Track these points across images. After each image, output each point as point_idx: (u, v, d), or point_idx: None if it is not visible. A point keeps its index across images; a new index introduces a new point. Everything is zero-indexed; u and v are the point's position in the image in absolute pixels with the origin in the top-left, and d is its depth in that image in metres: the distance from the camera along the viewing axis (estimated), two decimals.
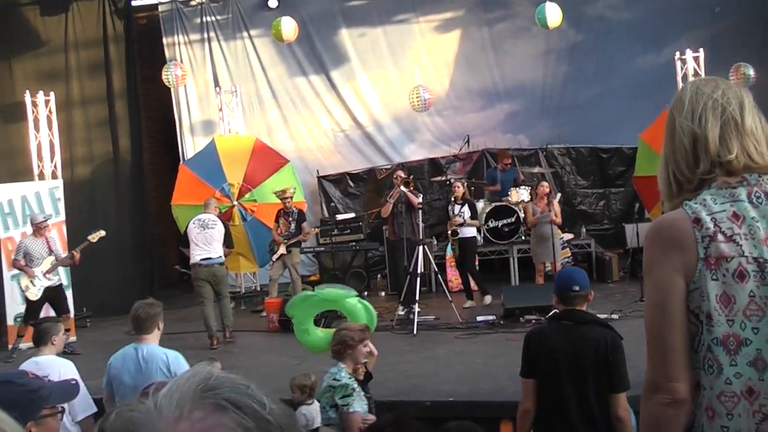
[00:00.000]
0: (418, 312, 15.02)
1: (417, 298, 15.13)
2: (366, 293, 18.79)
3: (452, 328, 14.80)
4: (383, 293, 19.26)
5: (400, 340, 14.02)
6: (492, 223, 18.30)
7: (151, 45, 22.29)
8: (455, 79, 22.06)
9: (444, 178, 19.57)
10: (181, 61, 21.65)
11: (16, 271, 16.13)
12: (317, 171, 22.03)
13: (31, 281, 14.95)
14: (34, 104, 18.32)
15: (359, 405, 7.38)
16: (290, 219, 17.15)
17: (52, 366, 7.76)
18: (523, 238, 18.26)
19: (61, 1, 20.22)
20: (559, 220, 16.10)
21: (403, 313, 15.66)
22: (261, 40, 21.95)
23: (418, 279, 15.36)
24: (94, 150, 20.26)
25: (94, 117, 20.28)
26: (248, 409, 1.58)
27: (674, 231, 3.09)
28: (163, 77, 20.32)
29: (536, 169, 19.92)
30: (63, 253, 15.54)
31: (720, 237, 3.03)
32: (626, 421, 6.09)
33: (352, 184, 22.12)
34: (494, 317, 15.05)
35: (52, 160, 18.32)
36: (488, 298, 16.94)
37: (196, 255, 15.38)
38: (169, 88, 21.15)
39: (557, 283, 6.74)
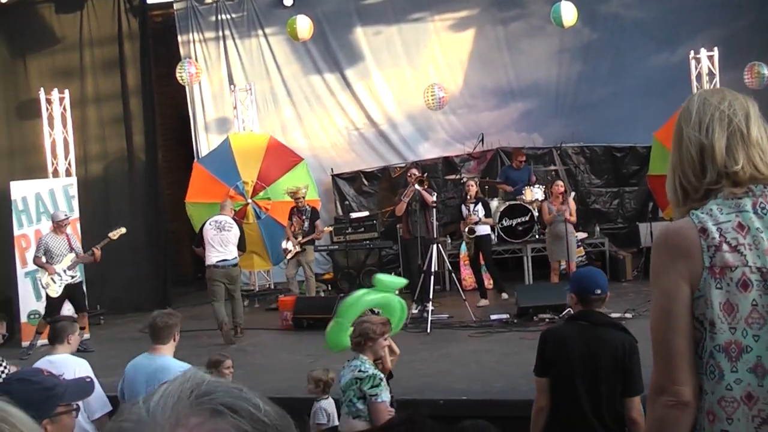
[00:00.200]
0: (432, 310, 15.04)
1: (431, 296, 15.15)
2: None
3: (466, 327, 14.80)
4: (397, 292, 19.21)
5: (414, 338, 14.00)
6: (506, 222, 18.29)
7: (166, 42, 22.29)
8: (470, 78, 22.02)
9: (458, 176, 19.59)
10: (196, 59, 21.64)
11: (30, 269, 16.20)
12: (331, 169, 22.02)
13: (52, 278, 14.99)
14: (49, 101, 18.39)
15: (386, 395, 7.39)
16: (304, 217, 17.17)
17: (67, 365, 7.76)
18: (537, 236, 18.27)
19: None
20: (574, 218, 16.07)
21: (416, 311, 15.64)
22: (276, 38, 21.92)
23: (432, 277, 15.37)
24: (108, 147, 20.26)
25: (108, 114, 20.29)
26: (244, 412, 1.58)
27: (681, 240, 3.16)
28: (177, 75, 20.32)
29: (551, 168, 19.94)
30: (82, 250, 15.58)
31: (725, 247, 3.10)
32: (640, 424, 6.08)
33: (366, 182, 22.11)
34: (508, 316, 15.06)
35: (66, 158, 18.39)
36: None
37: (213, 257, 15.55)
38: (184, 86, 21.15)
39: (578, 283, 6.68)
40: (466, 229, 16.70)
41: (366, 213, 20.56)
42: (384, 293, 9.18)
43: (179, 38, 22.06)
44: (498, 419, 7.36)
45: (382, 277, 9.41)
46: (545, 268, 17.11)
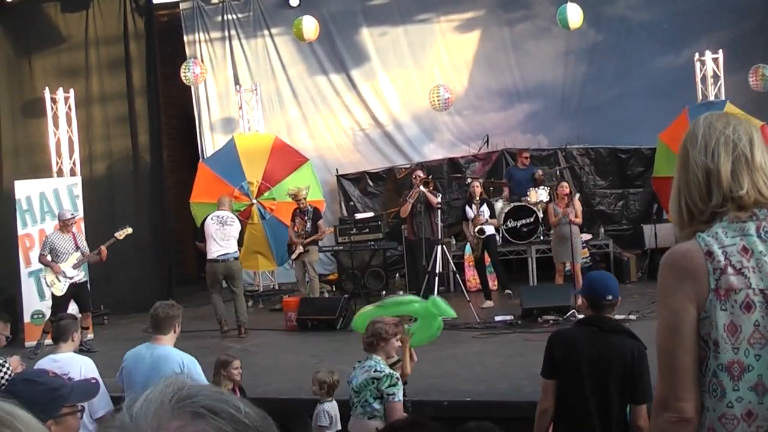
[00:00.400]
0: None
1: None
2: (384, 292, 18.84)
3: (470, 328, 14.78)
4: (401, 292, 19.17)
5: None
6: (511, 223, 18.30)
7: (172, 42, 22.31)
8: (475, 79, 22.03)
9: (463, 176, 19.64)
10: (202, 59, 21.68)
11: (33, 268, 16.20)
12: (336, 170, 22.02)
13: (57, 277, 14.98)
14: (54, 101, 18.38)
15: (402, 394, 7.40)
16: (306, 218, 17.16)
17: (72, 364, 7.77)
18: (541, 238, 18.28)
19: None
20: (579, 220, 16.03)
21: None
22: (282, 38, 21.95)
23: (437, 278, 15.38)
24: (113, 147, 20.26)
25: (113, 114, 20.29)
26: (225, 414, 1.61)
27: (687, 262, 3.26)
28: (182, 75, 20.34)
29: (556, 168, 19.97)
30: (88, 249, 15.58)
31: (730, 270, 3.19)
32: (645, 431, 6.10)
33: (371, 183, 22.12)
34: (512, 317, 15.07)
35: (71, 157, 18.39)
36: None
37: (214, 251, 15.83)
38: (190, 86, 21.18)
39: (589, 288, 6.64)
40: (476, 230, 16.69)
41: (371, 214, 20.54)
42: (431, 311, 9.12)
43: (185, 38, 22.07)
44: (502, 421, 7.37)
45: (439, 301, 9.33)
46: (550, 269, 17.11)
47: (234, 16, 22.18)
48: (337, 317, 15.66)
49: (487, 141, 21.14)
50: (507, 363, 12.24)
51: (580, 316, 13.26)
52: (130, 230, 15.59)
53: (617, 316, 6.84)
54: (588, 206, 20.06)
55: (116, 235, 15.45)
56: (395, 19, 22.00)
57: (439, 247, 15.61)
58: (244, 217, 18.84)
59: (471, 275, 18.34)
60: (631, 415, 6.23)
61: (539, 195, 18.50)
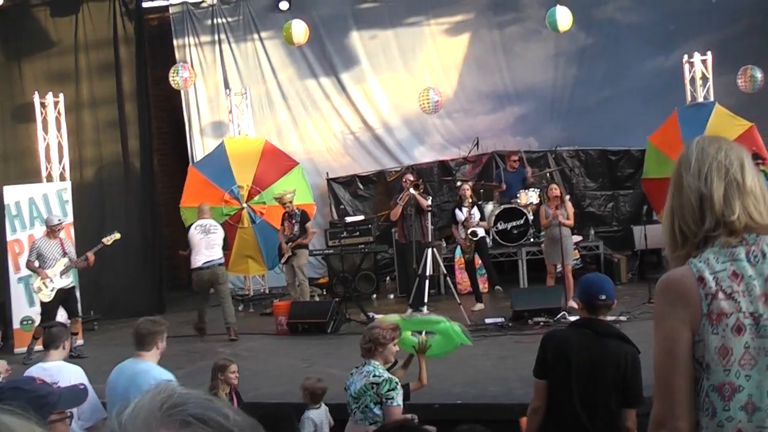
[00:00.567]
0: (427, 314, 15.02)
1: (426, 300, 15.16)
2: (375, 295, 18.85)
3: None
4: (392, 296, 19.28)
5: None
6: (501, 226, 18.33)
7: (162, 46, 22.27)
8: (465, 82, 22.06)
9: (453, 179, 19.67)
10: (192, 63, 21.67)
11: (23, 274, 16.16)
12: (327, 173, 22.02)
13: (44, 282, 14.93)
14: (43, 105, 18.35)
15: (401, 399, 7.40)
16: (294, 221, 17.15)
17: (62, 372, 7.75)
18: (531, 240, 18.31)
19: (72, 2, 20.13)
20: (570, 222, 16.01)
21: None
22: (271, 42, 21.95)
23: (427, 281, 15.37)
24: (103, 151, 20.18)
25: (103, 118, 20.20)
26: (213, 423, 1.61)
27: (681, 288, 3.38)
28: (171, 79, 20.31)
29: (546, 170, 20.00)
30: (76, 255, 15.54)
31: (721, 295, 3.31)
32: None
33: (361, 186, 22.13)
34: (503, 319, 15.06)
35: (60, 162, 18.35)
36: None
37: (199, 260, 16.15)
38: (180, 90, 21.16)
39: (584, 289, 6.66)
40: (469, 232, 16.69)
41: (361, 217, 20.55)
42: (451, 334, 9.07)
43: (175, 42, 22.04)
44: (494, 423, 7.38)
45: (459, 330, 9.24)
46: (540, 271, 17.10)
47: (224, 20, 22.17)
48: (327, 321, 15.66)
49: (477, 143, 21.18)
50: (498, 365, 12.25)
51: (571, 318, 13.34)
52: (118, 236, 15.53)
53: (608, 318, 6.82)
54: (578, 208, 20.09)
55: (104, 240, 15.40)
56: (385, 22, 22.01)
57: (430, 249, 15.60)
58: (234, 221, 18.84)
59: (461, 278, 18.34)
60: (621, 417, 6.24)
61: (529, 197, 18.51)
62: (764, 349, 3.29)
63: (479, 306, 16.63)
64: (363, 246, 19.14)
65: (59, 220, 15.54)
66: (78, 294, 16.14)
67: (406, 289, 16.98)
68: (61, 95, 18.54)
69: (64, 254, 15.19)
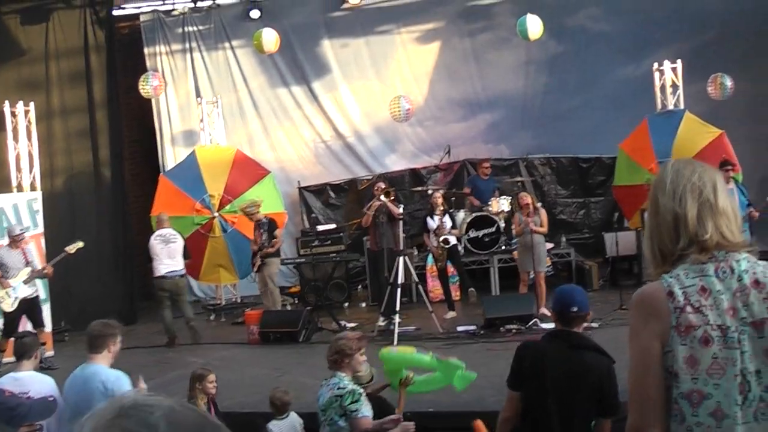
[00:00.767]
0: (399, 323, 15.04)
1: (398, 308, 15.12)
2: (347, 304, 18.83)
3: (433, 339, 14.78)
4: (364, 304, 19.26)
5: None
6: (473, 233, 18.35)
7: (133, 54, 22.17)
8: (437, 90, 22.10)
9: (425, 188, 19.70)
10: (163, 71, 21.62)
11: None
12: (298, 182, 22.01)
13: (7, 292, 14.83)
14: (14, 114, 18.19)
15: (367, 410, 7.39)
16: (261, 231, 17.14)
17: (33, 382, 7.71)
18: (503, 247, 18.34)
19: (43, 10, 20.04)
20: (542, 229, 16.03)
21: (383, 323, 15.67)
22: (243, 50, 21.93)
23: (399, 290, 15.35)
24: (74, 161, 20.05)
25: (74, 127, 20.07)
26: None
27: (653, 301, 3.56)
28: (140, 88, 20.22)
29: (517, 179, 20.04)
30: (40, 265, 15.46)
31: (689, 309, 3.49)
32: None
33: (333, 194, 22.14)
34: (475, 327, 15.09)
35: (30, 171, 18.19)
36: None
37: (162, 268, 16.42)
38: (150, 98, 21.10)
39: (557, 300, 6.69)
40: (441, 240, 16.72)
41: (333, 225, 20.56)
42: (447, 374, 9.03)
43: (146, 50, 22.00)
44: (465, 431, 7.38)
45: (464, 379, 9.14)
46: (512, 278, 17.15)
47: (195, 28, 22.13)
48: (299, 330, 15.64)
49: (449, 151, 21.22)
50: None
51: (543, 326, 13.36)
52: (81, 244, 15.44)
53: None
54: (550, 215, 20.14)
55: (66, 249, 15.32)
56: (356, 31, 22.03)
57: (401, 258, 15.58)
58: (205, 230, 18.80)
59: (433, 285, 18.36)
60: (596, 427, 6.26)
61: (501, 205, 18.56)
62: (732, 360, 3.43)
63: (451, 314, 16.63)
64: (335, 254, 19.15)
65: (21, 230, 15.43)
66: (48, 305, 16.06)
67: (378, 298, 16.95)
68: (32, 104, 18.38)
69: (27, 264, 15.10)
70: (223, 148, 20.61)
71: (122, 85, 21.11)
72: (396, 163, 22.32)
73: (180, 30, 22.14)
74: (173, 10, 22.03)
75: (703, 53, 20.10)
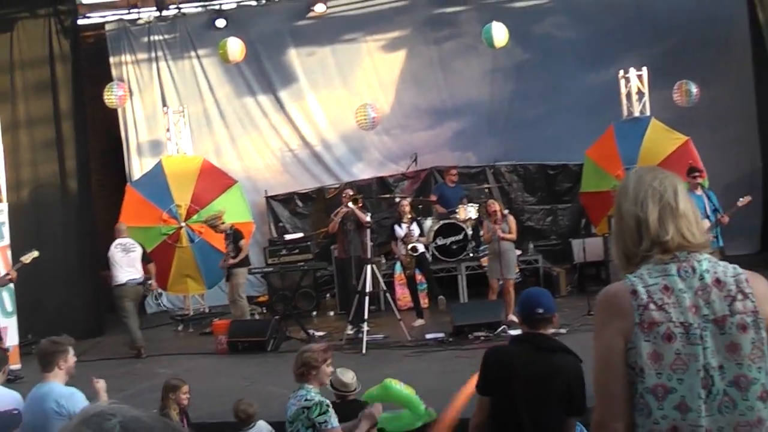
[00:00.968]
0: (367, 331, 15.01)
1: (366, 317, 15.12)
2: (315, 313, 18.81)
3: (402, 347, 14.80)
4: (332, 313, 19.24)
5: (350, 359, 13.89)
6: (440, 241, 18.37)
7: (98, 63, 22.00)
8: (403, 98, 22.11)
9: (392, 196, 19.72)
10: (129, 81, 21.54)
11: None
12: (265, 191, 21.96)
13: None
14: None
15: (335, 421, 7.36)
16: (228, 241, 17.15)
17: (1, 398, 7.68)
18: (471, 255, 18.37)
19: (6, 20, 19.86)
20: (511, 236, 16.06)
21: (352, 332, 15.65)
22: (209, 59, 21.87)
23: (367, 298, 15.34)
24: (41, 171, 19.85)
25: (40, 138, 19.89)
26: None
27: (616, 300, 3.70)
28: (105, 98, 20.11)
29: (485, 186, 20.07)
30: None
31: (652, 306, 3.63)
32: None
33: (300, 203, 22.12)
34: (443, 335, 15.11)
35: None
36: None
37: (123, 276, 16.51)
38: (116, 108, 21.00)
39: (521, 303, 6.68)
40: (410, 247, 16.74)
41: (300, 234, 20.54)
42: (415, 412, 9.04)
43: (111, 59, 21.92)
44: None
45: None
46: (481, 285, 17.18)
47: (160, 38, 22.06)
48: (267, 339, 15.62)
49: (416, 159, 21.21)
50: (440, 380, 12.22)
51: (512, 332, 13.37)
52: (36, 253, 15.26)
53: (549, 331, 6.85)
54: (517, 222, 20.24)
55: (22, 259, 15.15)
56: (322, 39, 22.02)
57: (369, 266, 15.58)
58: (173, 240, 18.77)
59: (401, 293, 18.36)
60: (563, 424, 6.27)
61: (468, 212, 18.59)
62: (694, 355, 3.57)
63: (420, 321, 16.67)
64: (302, 263, 19.13)
65: None
66: (15, 317, 15.96)
67: (346, 306, 16.96)
68: None
69: None
70: (189, 158, 20.53)
71: (88, 94, 20.95)
72: (363, 172, 22.32)
73: (146, 39, 22.07)
74: (138, 19, 21.94)
75: (668, 60, 20.20)
